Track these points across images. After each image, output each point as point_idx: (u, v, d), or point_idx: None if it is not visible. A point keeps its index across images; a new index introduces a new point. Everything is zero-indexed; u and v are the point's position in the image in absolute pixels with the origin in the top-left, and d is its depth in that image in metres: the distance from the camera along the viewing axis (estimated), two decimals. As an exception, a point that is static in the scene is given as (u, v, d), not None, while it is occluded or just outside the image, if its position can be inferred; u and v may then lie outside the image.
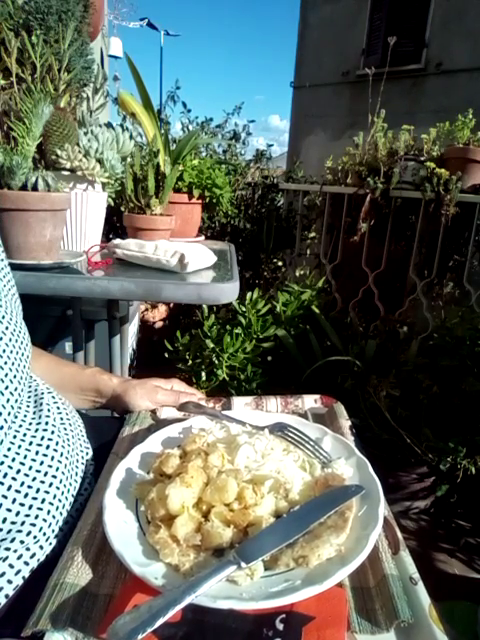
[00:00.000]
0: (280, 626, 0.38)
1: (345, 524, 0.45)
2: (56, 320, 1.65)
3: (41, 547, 0.51)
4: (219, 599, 0.39)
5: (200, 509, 0.48)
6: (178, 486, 0.47)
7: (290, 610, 0.39)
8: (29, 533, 0.50)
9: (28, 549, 0.49)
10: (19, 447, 0.55)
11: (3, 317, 0.55)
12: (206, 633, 0.38)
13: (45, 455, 0.56)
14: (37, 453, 0.55)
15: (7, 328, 0.55)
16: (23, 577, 0.48)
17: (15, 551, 0.48)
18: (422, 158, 2.08)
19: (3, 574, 0.47)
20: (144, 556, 0.44)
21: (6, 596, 0.47)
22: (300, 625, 0.38)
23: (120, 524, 0.47)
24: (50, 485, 0.54)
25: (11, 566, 0.47)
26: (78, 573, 0.44)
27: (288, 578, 0.42)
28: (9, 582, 0.47)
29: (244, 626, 0.38)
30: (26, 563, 0.49)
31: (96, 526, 0.49)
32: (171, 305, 3.06)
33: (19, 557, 0.48)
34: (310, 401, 0.75)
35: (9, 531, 0.49)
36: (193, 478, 0.48)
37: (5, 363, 0.52)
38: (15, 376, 0.54)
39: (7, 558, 0.47)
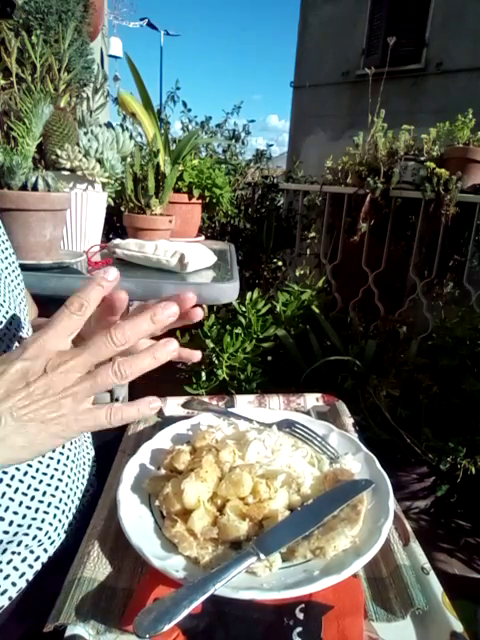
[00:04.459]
0: (300, 615, 0.39)
1: (358, 517, 0.46)
2: (56, 320, 1.65)
3: (45, 550, 0.50)
4: (240, 590, 0.39)
5: (215, 503, 0.48)
6: (193, 481, 0.48)
7: (309, 600, 0.40)
8: (35, 537, 0.50)
9: (32, 552, 0.49)
10: None
11: (7, 312, 0.55)
12: (228, 624, 0.39)
13: (51, 458, 0.56)
14: (44, 456, 0.55)
15: (17, 331, 0.54)
16: (27, 580, 0.48)
17: (19, 554, 0.48)
18: (422, 158, 2.08)
19: (8, 577, 0.47)
20: (162, 550, 0.45)
21: (10, 598, 0.47)
22: (320, 614, 0.39)
23: (136, 519, 0.48)
24: (56, 488, 0.54)
25: (16, 569, 0.47)
26: (95, 568, 0.44)
27: (306, 569, 0.43)
28: (13, 584, 0.47)
29: (265, 616, 0.39)
30: (30, 566, 0.48)
31: (110, 521, 0.49)
32: (171, 305, 3.06)
33: (23, 560, 0.48)
34: (312, 399, 0.76)
35: (16, 534, 0.49)
36: (208, 473, 0.49)
37: None
38: None
39: (11, 561, 0.47)
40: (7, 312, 0.55)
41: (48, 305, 1.75)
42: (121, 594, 0.42)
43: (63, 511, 0.54)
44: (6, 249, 0.62)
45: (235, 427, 0.61)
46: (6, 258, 0.60)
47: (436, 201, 1.99)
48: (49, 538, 0.51)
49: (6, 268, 0.60)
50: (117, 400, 1.54)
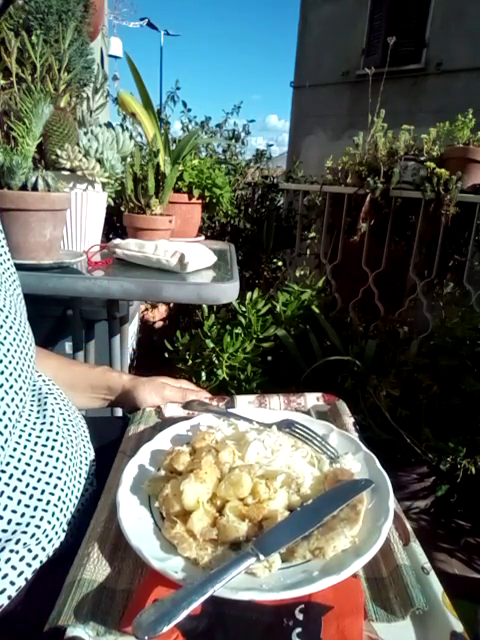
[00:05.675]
0: (300, 616, 0.39)
1: (357, 516, 0.46)
2: (56, 320, 1.65)
3: (43, 548, 0.50)
4: (240, 590, 0.39)
5: (214, 504, 0.48)
6: (193, 482, 0.48)
7: (308, 600, 0.40)
8: (33, 535, 0.50)
9: (30, 551, 0.49)
10: (25, 447, 0.54)
11: (7, 317, 0.55)
12: (227, 625, 0.39)
13: (50, 456, 0.56)
14: (42, 454, 0.55)
15: (11, 328, 0.55)
16: (25, 579, 0.48)
17: (17, 553, 0.48)
18: (422, 158, 2.08)
19: (6, 576, 0.47)
20: (162, 551, 0.44)
21: (9, 597, 0.47)
22: (319, 614, 0.39)
23: (135, 520, 0.48)
24: (55, 486, 0.54)
25: (14, 568, 0.47)
26: (95, 569, 0.44)
27: (305, 569, 0.43)
28: (12, 583, 0.47)
29: (264, 617, 0.39)
30: (28, 565, 0.48)
31: (109, 523, 0.49)
32: (171, 305, 3.07)
33: (21, 559, 0.48)
34: (312, 399, 0.76)
35: (14, 532, 0.49)
36: (207, 474, 0.49)
37: (10, 363, 0.52)
38: (20, 375, 0.54)
39: (9, 560, 0.47)
40: (7, 317, 0.55)
41: (48, 305, 1.76)
42: (121, 595, 0.42)
43: (62, 509, 0.54)
44: (6, 253, 0.62)
45: (235, 428, 0.61)
46: (1, 263, 0.60)
47: (436, 201, 1.99)
48: (47, 537, 0.51)
49: (3, 273, 0.60)
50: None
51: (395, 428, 1.57)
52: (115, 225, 1.86)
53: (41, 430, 0.58)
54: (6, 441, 0.51)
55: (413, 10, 5.15)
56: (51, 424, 0.59)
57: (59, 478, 0.55)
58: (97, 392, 0.78)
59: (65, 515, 0.54)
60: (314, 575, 0.41)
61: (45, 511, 0.52)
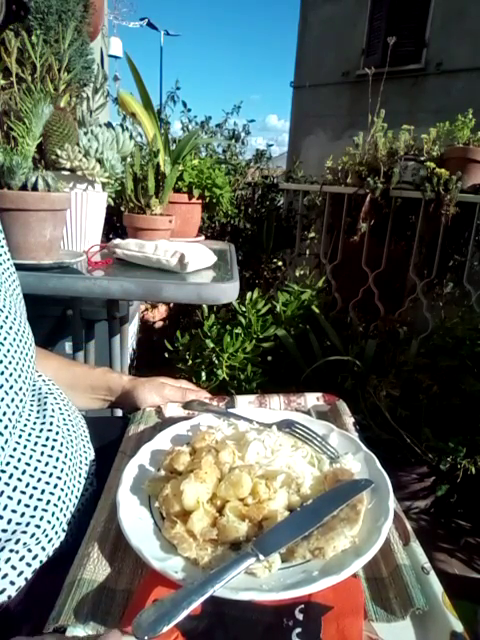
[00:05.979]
0: (300, 616, 0.39)
1: (357, 516, 0.46)
2: (56, 320, 1.65)
3: (43, 548, 0.50)
4: (240, 591, 0.39)
5: (214, 504, 0.48)
6: (193, 482, 0.48)
7: (308, 600, 0.40)
8: (33, 535, 0.50)
9: (30, 551, 0.49)
10: (24, 447, 0.54)
11: (7, 317, 0.55)
12: (227, 625, 0.39)
13: (50, 456, 0.56)
14: (42, 454, 0.55)
15: (11, 328, 0.55)
16: (25, 579, 0.48)
17: (17, 552, 0.48)
18: (422, 158, 2.08)
19: (6, 576, 0.47)
20: (162, 551, 0.45)
21: (9, 597, 0.47)
22: (319, 614, 0.39)
23: (135, 520, 0.48)
24: (55, 486, 0.54)
25: (14, 568, 0.47)
26: (95, 569, 0.44)
27: (305, 569, 0.43)
28: (12, 583, 0.47)
29: (264, 617, 0.39)
30: (28, 565, 0.48)
31: (109, 523, 0.49)
32: (171, 305, 3.06)
33: (21, 559, 0.48)
34: (312, 399, 0.76)
35: (14, 532, 0.49)
36: (207, 474, 0.49)
37: (9, 363, 0.52)
38: (20, 376, 0.54)
39: (9, 560, 0.47)
40: (7, 317, 0.55)
41: (48, 305, 1.75)
42: (121, 596, 0.42)
43: (61, 509, 0.54)
44: (6, 253, 0.62)
45: (235, 428, 0.61)
46: (1, 263, 0.60)
47: (436, 201, 1.99)
48: (47, 537, 0.51)
49: (3, 273, 0.60)
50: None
51: (395, 428, 1.57)
52: (115, 225, 1.86)
53: (41, 430, 0.58)
54: (6, 441, 0.51)
55: (413, 10, 5.14)
56: (51, 424, 0.59)
57: (59, 478, 0.55)
58: (97, 393, 0.78)
59: (65, 515, 0.54)
60: (314, 575, 0.41)
61: (45, 511, 0.52)
